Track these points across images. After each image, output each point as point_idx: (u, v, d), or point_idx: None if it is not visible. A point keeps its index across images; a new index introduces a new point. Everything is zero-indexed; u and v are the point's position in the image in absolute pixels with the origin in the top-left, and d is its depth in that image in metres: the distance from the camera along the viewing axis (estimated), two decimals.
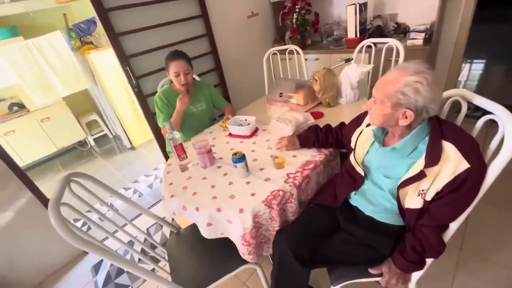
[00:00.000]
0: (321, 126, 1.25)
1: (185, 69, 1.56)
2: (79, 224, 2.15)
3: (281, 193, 1.00)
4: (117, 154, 3.49)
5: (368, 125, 0.99)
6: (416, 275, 0.91)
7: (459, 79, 2.59)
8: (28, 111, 3.20)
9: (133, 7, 1.91)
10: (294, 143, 1.23)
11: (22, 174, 1.62)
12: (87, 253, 1.93)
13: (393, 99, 0.77)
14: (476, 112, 1.96)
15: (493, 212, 1.54)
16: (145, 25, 2.00)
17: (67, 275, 1.81)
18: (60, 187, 0.80)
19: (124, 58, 1.93)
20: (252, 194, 1.02)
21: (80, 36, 3.08)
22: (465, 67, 3.50)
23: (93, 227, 0.90)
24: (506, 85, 2.99)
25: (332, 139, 1.18)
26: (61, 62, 2.89)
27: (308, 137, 1.21)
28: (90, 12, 2.68)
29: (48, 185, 2.96)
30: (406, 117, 0.78)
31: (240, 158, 1.07)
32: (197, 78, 1.91)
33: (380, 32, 2.29)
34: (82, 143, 3.81)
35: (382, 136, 0.94)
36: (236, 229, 0.99)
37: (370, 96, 0.83)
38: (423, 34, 2.01)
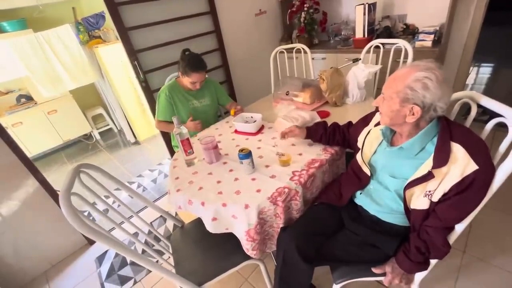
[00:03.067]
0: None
1: (203, 79, 1.61)
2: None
3: (286, 190, 1.01)
4: (122, 148, 3.52)
5: (377, 124, 0.99)
6: (419, 276, 0.91)
7: (466, 82, 2.56)
8: (35, 103, 3.24)
9: (143, 2, 1.93)
10: (302, 131, 1.22)
11: (30, 165, 1.64)
12: (91, 244, 1.95)
13: (401, 94, 0.77)
14: (483, 115, 1.94)
15: (497, 216, 1.54)
16: (154, 20, 2.01)
17: (71, 265, 1.84)
18: (71, 177, 0.81)
19: (133, 53, 1.94)
20: (258, 191, 1.03)
21: (89, 30, 3.10)
22: (473, 70, 3.46)
23: (100, 217, 0.91)
24: None
25: (339, 136, 1.18)
26: (69, 55, 2.92)
27: (316, 130, 1.21)
28: (98, 6, 2.71)
29: (53, 177, 3.00)
30: (413, 114, 0.77)
31: (246, 154, 1.08)
32: None
33: (388, 33, 2.27)
34: (88, 137, 3.85)
35: (391, 135, 0.94)
36: (240, 224, 1.00)
37: (376, 96, 0.83)
38: (432, 36, 1.99)
